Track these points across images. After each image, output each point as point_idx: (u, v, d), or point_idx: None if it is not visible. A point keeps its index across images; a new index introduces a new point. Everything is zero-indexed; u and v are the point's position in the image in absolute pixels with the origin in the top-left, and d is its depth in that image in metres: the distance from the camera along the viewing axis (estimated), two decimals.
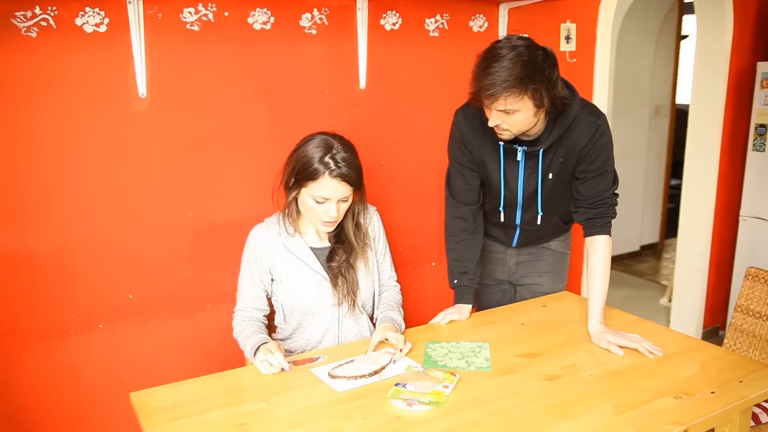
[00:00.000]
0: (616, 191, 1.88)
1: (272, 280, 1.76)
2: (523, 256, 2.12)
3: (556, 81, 1.65)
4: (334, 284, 1.74)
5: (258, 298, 1.76)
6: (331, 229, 1.72)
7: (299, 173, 1.65)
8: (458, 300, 1.98)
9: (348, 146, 1.67)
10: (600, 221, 1.84)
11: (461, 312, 1.92)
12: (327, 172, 1.61)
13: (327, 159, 1.61)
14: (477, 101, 1.68)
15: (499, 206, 1.95)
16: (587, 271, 1.85)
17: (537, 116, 1.69)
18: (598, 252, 1.83)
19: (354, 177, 1.65)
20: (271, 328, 1.84)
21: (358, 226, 1.78)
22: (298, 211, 1.75)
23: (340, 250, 1.76)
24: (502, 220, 1.99)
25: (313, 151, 1.63)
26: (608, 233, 1.84)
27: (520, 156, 1.83)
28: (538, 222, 1.93)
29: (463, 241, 1.99)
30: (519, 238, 2.05)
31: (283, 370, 1.56)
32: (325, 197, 1.63)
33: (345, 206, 1.69)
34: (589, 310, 1.80)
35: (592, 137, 1.78)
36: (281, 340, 1.82)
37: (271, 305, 1.81)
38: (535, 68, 1.60)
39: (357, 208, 1.77)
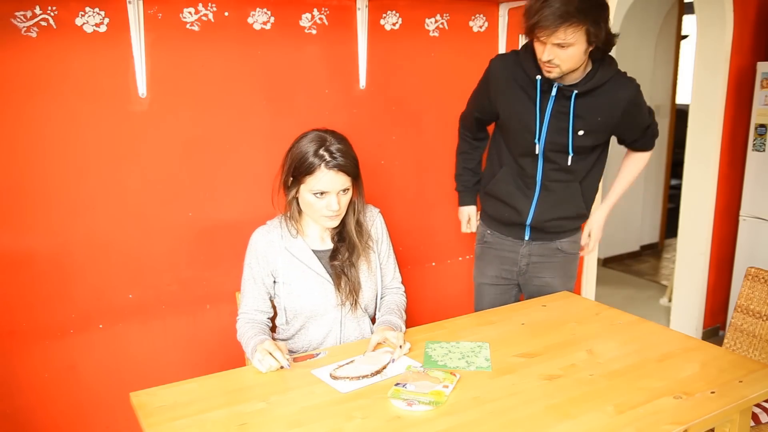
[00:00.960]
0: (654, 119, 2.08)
1: (275, 282, 1.76)
2: (534, 257, 2.13)
3: (608, 19, 1.77)
4: (337, 285, 1.74)
5: (261, 300, 1.76)
6: (335, 223, 1.71)
7: (296, 170, 1.65)
8: (463, 202, 2.29)
9: (341, 138, 1.68)
10: (649, 142, 2.11)
11: (470, 213, 2.27)
12: (323, 164, 1.61)
13: (321, 151, 1.62)
14: (531, 35, 1.76)
15: (535, 138, 1.96)
16: (621, 171, 2.17)
17: (585, 55, 1.78)
18: (638, 160, 2.15)
19: (350, 166, 1.65)
20: (273, 329, 1.84)
21: (359, 224, 1.78)
22: (300, 212, 1.75)
23: (343, 248, 1.75)
24: (528, 149, 1.99)
25: (307, 146, 1.64)
26: (651, 148, 2.13)
27: (554, 92, 1.88)
28: (568, 163, 1.97)
29: (464, 154, 2.25)
30: (536, 208, 2.04)
31: (282, 367, 1.56)
32: (324, 190, 1.63)
33: (346, 199, 1.69)
34: (606, 195, 2.17)
35: (636, 95, 1.93)
36: (282, 341, 1.81)
37: (273, 306, 1.81)
38: (592, 3, 1.69)
39: (357, 206, 1.77)
